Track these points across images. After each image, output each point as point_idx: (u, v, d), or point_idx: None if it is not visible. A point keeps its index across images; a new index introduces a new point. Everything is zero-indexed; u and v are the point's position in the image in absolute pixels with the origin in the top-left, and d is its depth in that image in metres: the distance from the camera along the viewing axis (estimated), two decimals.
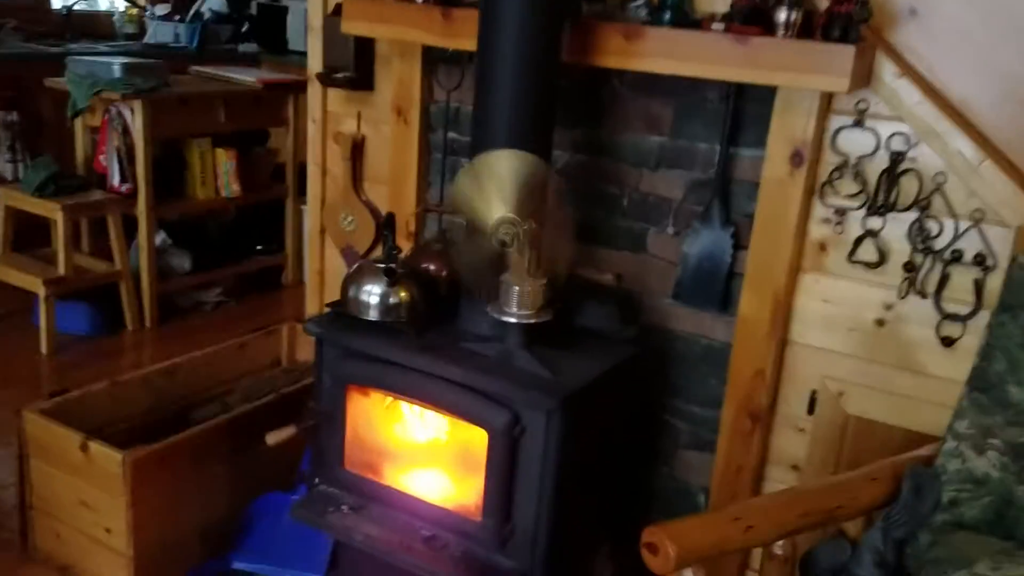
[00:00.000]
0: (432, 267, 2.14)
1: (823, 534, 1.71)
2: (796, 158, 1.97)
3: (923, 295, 1.93)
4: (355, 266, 2.06)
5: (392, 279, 1.95)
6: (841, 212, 1.98)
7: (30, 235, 3.72)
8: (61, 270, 3.48)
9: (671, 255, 2.22)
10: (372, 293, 1.97)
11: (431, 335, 1.95)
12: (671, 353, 2.27)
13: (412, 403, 1.92)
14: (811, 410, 2.11)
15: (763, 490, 2.21)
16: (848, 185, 1.97)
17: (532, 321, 1.86)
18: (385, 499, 1.99)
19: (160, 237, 3.88)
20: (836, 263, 2.02)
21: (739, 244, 2.11)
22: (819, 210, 2.02)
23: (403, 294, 1.99)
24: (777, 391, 2.15)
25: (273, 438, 1.97)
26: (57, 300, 3.61)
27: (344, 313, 2.00)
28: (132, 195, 3.68)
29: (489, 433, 1.80)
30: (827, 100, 1.94)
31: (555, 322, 1.94)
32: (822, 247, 2.03)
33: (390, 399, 1.96)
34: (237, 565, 2.27)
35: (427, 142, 2.50)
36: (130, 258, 3.75)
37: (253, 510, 2.35)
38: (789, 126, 1.96)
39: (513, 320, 1.85)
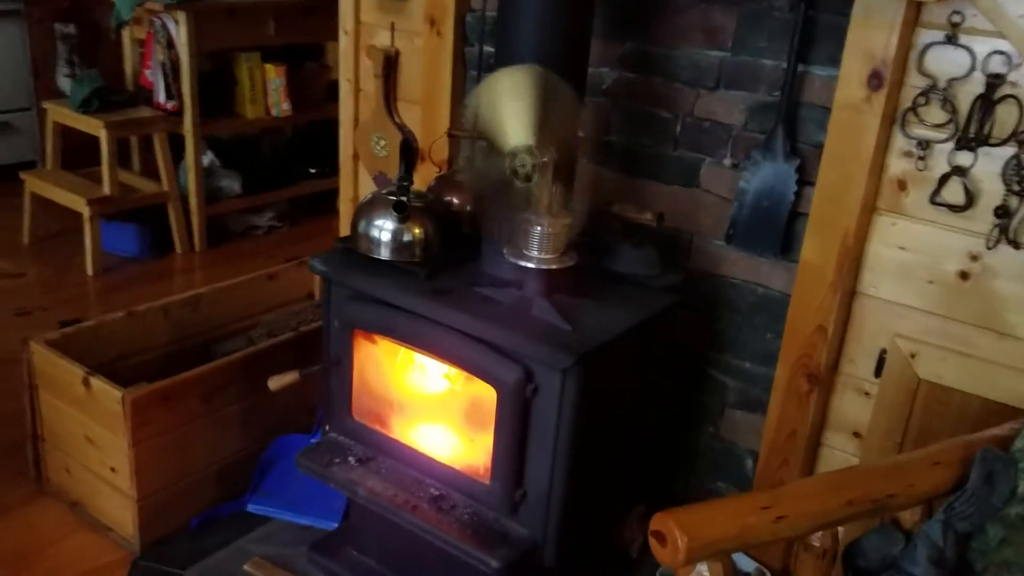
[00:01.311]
0: (456, 200, 1.93)
1: (871, 522, 1.47)
2: (875, 79, 1.66)
3: (1016, 245, 1.62)
4: (366, 197, 1.86)
5: (403, 214, 1.75)
6: (925, 145, 1.68)
7: (82, 153, 3.64)
8: (106, 190, 3.39)
9: (726, 191, 1.96)
10: (382, 229, 1.78)
11: (445, 277, 1.75)
12: (722, 302, 2.02)
13: (419, 352, 1.74)
14: (878, 372, 1.84)
15: (819, 457, 1.97)
16: (935, 113, 1.66)
17: (553, 267, 1.64)
18: (393, 453, 1.83)
19: (208, 158, 3.75)
20: (916, 204, 1.72)
21: (804, 179, 1.84)
22: (899, 141, 1.71)
23: (416, 231, 1.79)
24: (840, 349, 1.89)
25: (275, 383, 1.82)
26: (105, 221, 3.54)
27: (353, 250, 1.81)
28: (178, 112, 3.55)
29: (498, 391, 1.60)
30: (914, 10, 1.63)
31: (582, 267, 1.71)
32: (901, 185, 1.73)
33: (398, 347, 1.78)
34: (251, 508, 2.16)
35: (462, 57, 2.26)
36: (179, 179, 3.65)
37: (270, 452, 2.23)
38: (868, 41, 1.66)
39: (531, 265, 1.63)
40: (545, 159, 1.57)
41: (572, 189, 1.78)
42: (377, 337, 1.79)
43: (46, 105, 3.57)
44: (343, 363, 1.83)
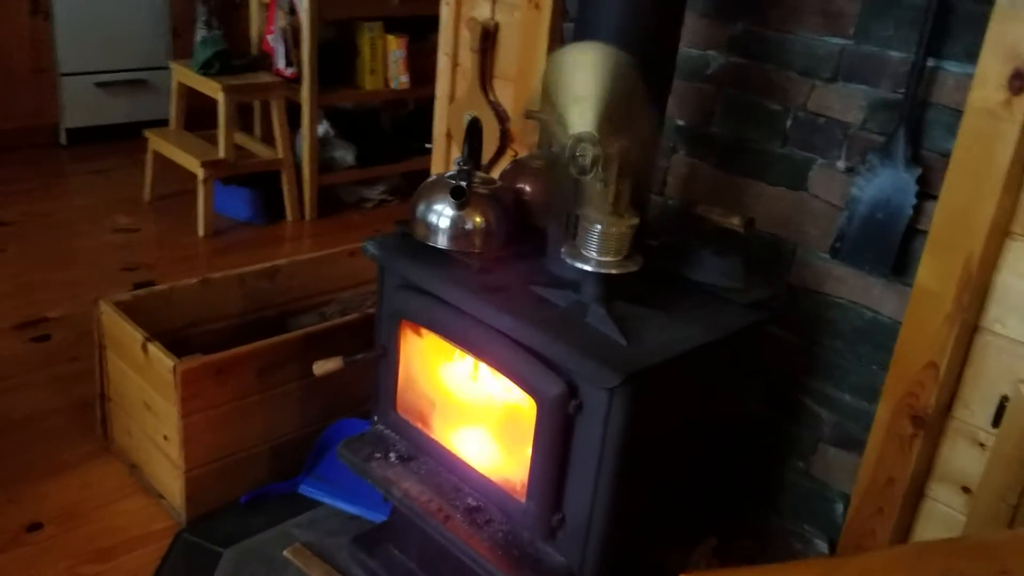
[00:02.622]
0: (528, 188, 1.77)
1: None
2: (1017, 80, 1.40)
3: None
4: (428, 180, 1.73)
5: (460, 200, 1.61)
6: None
7: (209, 114, 3.68)
8: (221, 153, 3.42)
9: (837, 197, 1.72)
10: (441, 215, 1.64)
11: (502, 272, 1.60)
12: (824, 323, 1.78)
13: (462, 350, 1.60)
14: (996, 421, 1.57)
15: (920, 510, 1.72)
16: None
17: (612, 271, 1.46)
18: (433, 454, 1.70)
19: (323, 127, 3.73)
20: None
21: (927, 191, 1.58)
22: None
23: (477, 219, 1.65)
24: (955, 391, 1.63)
25: (320, 368, 1.72)
26: (221, 184, 3.58)
27: (411, 234, 1.69)
28: (297, 80, 3.53)
29: (538, 404, 1.44)
30: None
31: (655, 273, 1.53)
32: None
33: (443, 342, 1.64)
34: (303, 491, 2.09)
35: (560, 33, 2.09)
36: (295, 147, 3.64)
37: (327, 435, 2.15)
38: (1013, 35, 1.39)
39: (588, 268, 1.46)
40: (611, 151, 1.39)
41: (646, 187, 1.60)
42: (423, 330, 1.66)
43: (172, 65, 3.63)
44: (389, 354, 1.71)
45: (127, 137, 4.16)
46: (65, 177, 4.03)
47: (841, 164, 1.71)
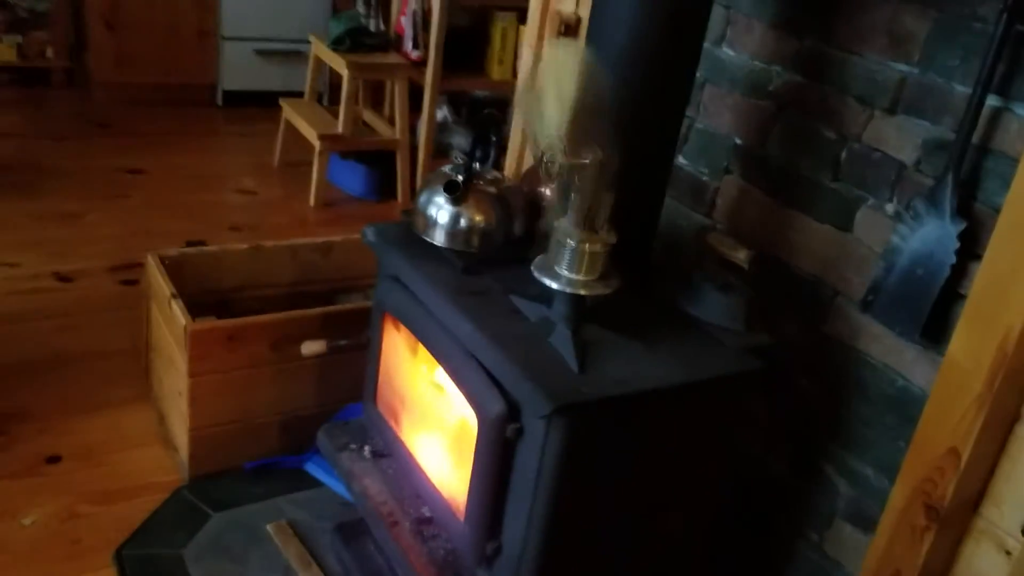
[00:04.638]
0: (549, 192, 1.67)
1: None
2: None
3: None
4: (438, 170, 1.66)
5: (454, 195, 1.53)
6: None
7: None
8: (339, 128, 3.48)
9: (881, 244, 1.51)
10: (440, 208, 1.57)
11: (489, 276, 1.51)
12: (853, 384, 1.58)
13: (427, 352, 1.52)
14: None
15: None
16: None
17: (581, 292, 1.34)
18: (398, 455, 1.64)
19: (443, 112, 3.73)
20: None
21: (971, 249, 1.35)
22: None
23: (477, 218, 1.57)
24: (987, 486, 1.39)
25: (307, 348, 1.70)
26: (339, 158, 3.65)
27: (412, 226, 1.62)
28: (423, 63, 3.54)
29: (479, 421, 1.35)
30: None
31: (649, 300, 1.40)
32: None
33: (415, 341, 1.57)
34: (309, 468, 2.08)
35: None
36: (415, 129, 3.66)
37: (343, 416, 2.13)
38: None
39: (555, 286, 1.34)
40: (584, 161, 1.27)
41: (651, 204, 1.46)
42: (401, 325, 1.60)
43: (311, 38, 3.74)
44: (373, 344, 1.66)
45: (279, 105, 4.33)
46: (211, 136, 4.25)
47: (890, 207, 1.49)
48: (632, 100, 1.39)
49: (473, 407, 1.36)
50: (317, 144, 3.46)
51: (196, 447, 1.98)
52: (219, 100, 4.51)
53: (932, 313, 1.40)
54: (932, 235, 1.40)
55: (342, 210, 3.59)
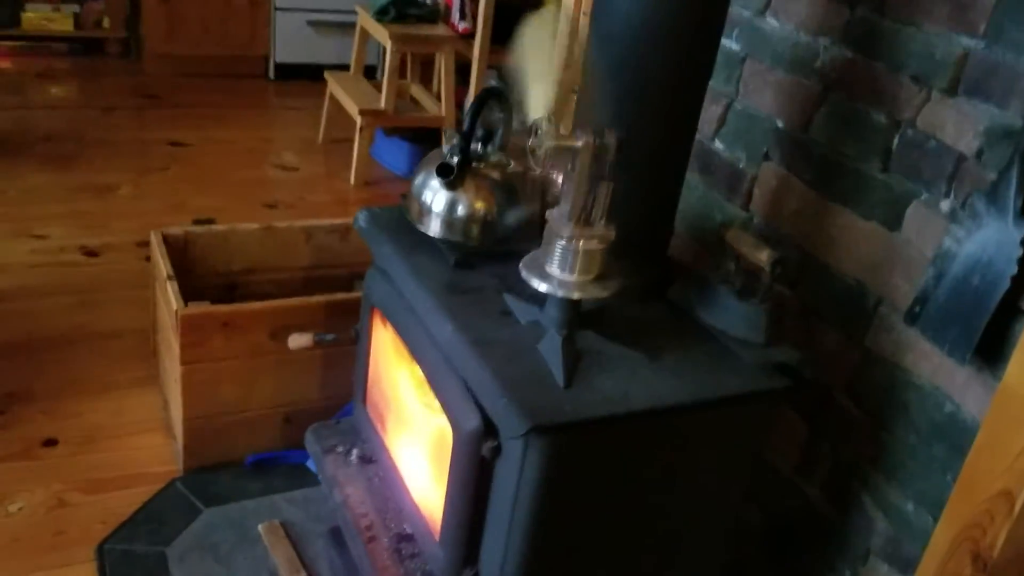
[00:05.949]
0: (557, 177, 1.50)
1: None
2: None
3: None
4: (434, 151, 1.51)
5: (447, 179, 1.38)
6: None
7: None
8: (382, 103, 3.35)
9: (933, 247, 1.30)
10: (435, 194, 1.42)
11: (484, 271, 1.36)
12: (897, 407, 1.38)
13: (410, 353, 1.37)
14: None
15: None
16: None
17: (574, 295, 1.17)
18: (382, 463, 1.50)
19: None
20: None
21: None
22: None
23: (478, 205, 1.41)
24: None
25: (294, 342, 1.58)
26: (384, 134, 3.53)
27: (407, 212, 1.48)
28: (470, 35, 3.38)
29: (454, 436, 1.20)
30: None
31: (660, 306, 1.23)
32: None
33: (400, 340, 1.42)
34: (310, 464, 1.97)
35: None
36: (463, 106, 3.51)
37: (347, 411, 2.00)
38: None
39: (544, 287, 1.18)
40: (578, 144, 1.11)
41: (662, 194, 1.28)
42: (388, 321, 1.45)
43: (358, 9, 3.61)
44: (362, 340, 1.53)
45: None
46: (259, 109, 4.17)
47: (945, 205, 1.28)
48: (642, 71, 1.22)
49: (449, 420, 1.21)
50: (358, 119, 3.33)
51: (190, 438, 1.88)
52: (271, 73, 4.43)
53: (987, 330, 1.19)
54: (991, 239, 1.19)
55: (384, 189, 3.46)
